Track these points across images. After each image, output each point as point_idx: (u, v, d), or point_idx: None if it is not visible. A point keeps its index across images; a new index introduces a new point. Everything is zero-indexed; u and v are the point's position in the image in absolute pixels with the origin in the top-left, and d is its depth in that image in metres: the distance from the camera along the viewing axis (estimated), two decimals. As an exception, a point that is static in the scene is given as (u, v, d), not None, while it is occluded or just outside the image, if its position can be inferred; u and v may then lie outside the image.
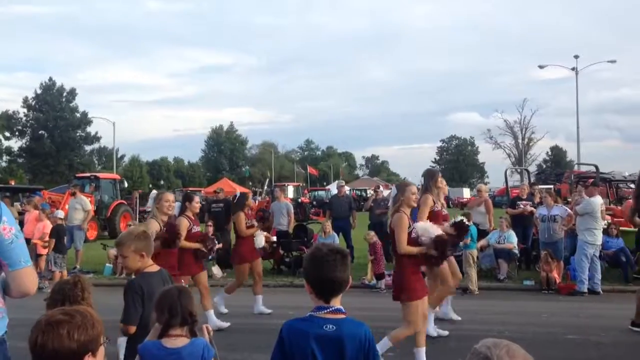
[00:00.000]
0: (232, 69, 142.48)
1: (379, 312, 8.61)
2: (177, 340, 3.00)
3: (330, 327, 2.56)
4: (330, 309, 2.60)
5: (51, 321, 2.11)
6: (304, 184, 51.73)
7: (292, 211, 14.60)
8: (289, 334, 2.60)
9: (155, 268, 3.94)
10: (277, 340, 2.62)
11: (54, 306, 3.58)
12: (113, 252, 13.56)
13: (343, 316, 2.61)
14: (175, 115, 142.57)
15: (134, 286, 3.77)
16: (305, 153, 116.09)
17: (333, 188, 47.86)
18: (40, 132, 66.85)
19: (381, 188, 15.53)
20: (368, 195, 39.82)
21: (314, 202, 39.38)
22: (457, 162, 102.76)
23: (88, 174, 29.17)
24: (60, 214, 12.62)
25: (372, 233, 11.84)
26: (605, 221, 11.43)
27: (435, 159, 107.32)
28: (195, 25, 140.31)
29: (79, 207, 14.69)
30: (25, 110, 68.37)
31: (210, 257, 13.14)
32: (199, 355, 3.00)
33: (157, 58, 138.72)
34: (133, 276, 4.00)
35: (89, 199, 21.92)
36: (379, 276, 11.13)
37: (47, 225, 12.08)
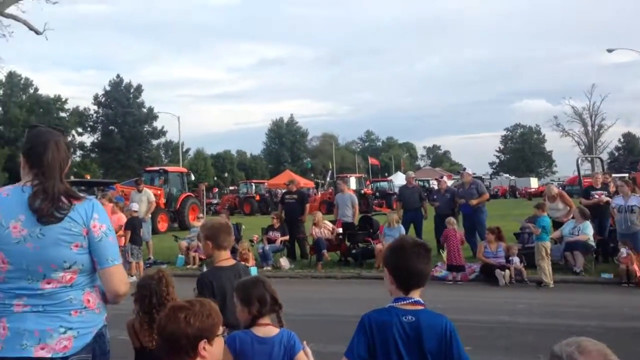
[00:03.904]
0: (290, 62, 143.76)
1: (449, 305, 8.48)
2: (267, 329, 3.07)
3: (410, 318, 2.56)
4: (410, 301, 2.60)
5: (175, 306, 2.41)
6: (366, 175, 51.53)
7: (357, 203, 14.57)
8: (371, 325, 2.60)
9: (229, 262, 3.95)
10: (358, 330, 2.62)
11: (142, 301, 3.70)
12: (184, 243, 13.95)
13: (422, 307, 2.61)
14: (236, 109, 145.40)
15: (203, 280, 3.82)
16: (366, 144, 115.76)
17: (396, 179, 47.49)
18: (110, 127, 69.46)
19: (444, 178, 15.26)
20: (431, 186, 39.36)
21: (377, 193, 39.19)
22: (523, 151, 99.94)
23: (157, 168, 30.00)
24: (135, 206, 13.04)
25: (453, 220, 11.65)
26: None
27: (499, 147, 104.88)
28: (252, 19, 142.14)
29: (145, 200, 15.06)
30: (95, 107, 71.50)
31: (277, 249, 13.40)
32: (289, 344, 3.06)
33: (216, 53, 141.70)
34: (205, 268, 4.03)
35: (159, 192, 22.72)
36: (456, 267, 10.92)
37: (122, 218, 12.49)
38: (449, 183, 15.17)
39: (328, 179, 48.59)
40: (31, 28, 14.89)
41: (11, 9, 14.12)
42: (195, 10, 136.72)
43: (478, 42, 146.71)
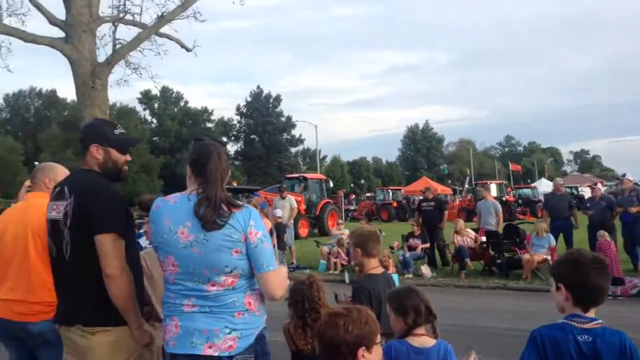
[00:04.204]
0: (423, 67, 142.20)
1: (612, 321, 7.82)
2: (423, 339, 3.04)
3: (586, 337, 2.41)
4: (587, 319, 2.45)
5: (333, 313, 2.43)
6: (507, 182, 49.42)
7: (500, 210, 14.01)
8: (543, 341, 2.47)
9: (379, 270, 3.94)
10: (528, 346, 2.50)
11: (294, 305, 3.78)
12: (325, 249, 14.19)
13: (598, 325, 2.44)
14: (371, 116, 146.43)
15: (360, 288, 3.81)
16: (506, 149, 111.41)
17: (540, 185, 45.05)
18: (252, 136, 72.96)
19: (599, 185, 14.17)
20: (580, 193, 36.86)
21: (520, 201, 37.39)
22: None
23: (297, 175, 30.89)
24: (279, 212, 13.50)
25: (604, 232, 10.83)
26: None
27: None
28: (384, 27, 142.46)
29: (288, 206, 15.58)
30: (238, 117, 75.54)
31: (418, 256, 13.21)
32: (446, 356, 3.01)
33: (349, 61, 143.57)
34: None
35: (300, 198, 23.37)
36: (615, 281, 10.10)
37: (268, 224, 12.91)
38: (603, 190, 14.09)
39: (466, 185, 47.37)
40: (182, 46, 15.97)
41: (165, 29, 15.25)
42: (328, 20, 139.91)
43: (626, 39, 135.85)
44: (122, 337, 2.94)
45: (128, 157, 3.25)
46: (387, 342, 3.08)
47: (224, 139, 73.19)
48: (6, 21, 13.78)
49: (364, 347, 2.34)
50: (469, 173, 59.50)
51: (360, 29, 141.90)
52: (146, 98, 70.25)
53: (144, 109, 71.81)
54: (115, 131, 3.19)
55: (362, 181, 77.99)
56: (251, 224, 2.72)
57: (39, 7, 13.55)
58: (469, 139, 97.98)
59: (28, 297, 3.59)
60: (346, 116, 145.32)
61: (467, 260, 12.44)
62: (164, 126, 68.01)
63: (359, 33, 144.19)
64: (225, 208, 2.71)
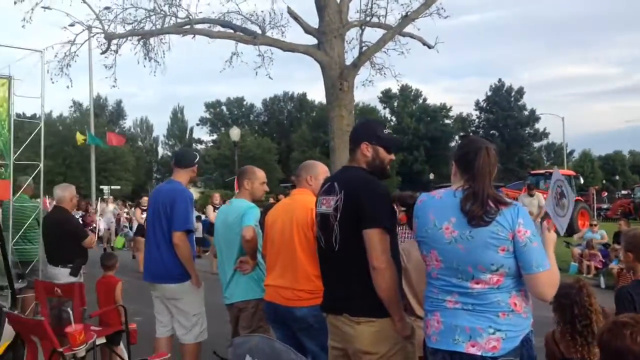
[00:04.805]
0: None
1: None
2: None
3: None
4: None
5: (618, 322, 2.35)
6: None
7: None
8: None
9: None
10: None
11: (561, 311, 3.57)
12: (577, 251, 13.23)
13: None
14: (628, 105, 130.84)
15: (624, 293, 3.54)
16: None
17: None
18: (491, 131, 70.93)
19: None
20: None
21: None
22: None
23: (542, 171, 29.27)
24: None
25: None
26: None
27: None
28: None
29: (536, 204, 14.88)
30: (477, 112, 74.18)
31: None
32: None
33: (604, 47, 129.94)
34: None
35: (544, 195, 22.08)
36: None
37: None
38: None
39: None
40: (424, 43, 16.05)
41: (408, 28, 15.48)
42: (579, 4, 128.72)
43: None
44: (385, 328, 3.05)
45: (392, 157, 3.34)
46: None
47: (461, 134, 72.41)
48: (268, 33, 15.34)
49: None
50: None
51: (620, 10, 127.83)
52: (386, 97, 72.45)
53: (384, 108, 74.18)
54: (384, 131, 3.31)
55: (617, 177, 70.89)
56: (519, 222, 2.63)
57: (296, 19, 14.80)
58: None
59: (294, 285, 3.90)
60: (598, 106, 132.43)
61: None
62: (403, 124, 69.53)
63: (617, 13, 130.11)
64: (492, 205, 2.65)
